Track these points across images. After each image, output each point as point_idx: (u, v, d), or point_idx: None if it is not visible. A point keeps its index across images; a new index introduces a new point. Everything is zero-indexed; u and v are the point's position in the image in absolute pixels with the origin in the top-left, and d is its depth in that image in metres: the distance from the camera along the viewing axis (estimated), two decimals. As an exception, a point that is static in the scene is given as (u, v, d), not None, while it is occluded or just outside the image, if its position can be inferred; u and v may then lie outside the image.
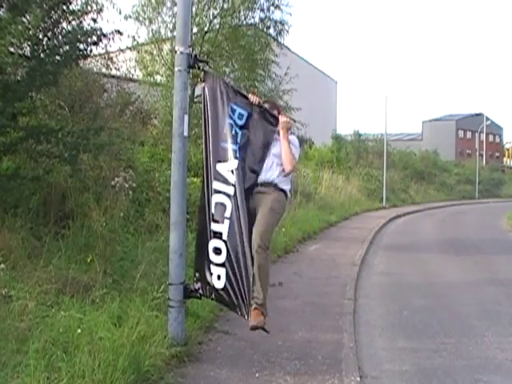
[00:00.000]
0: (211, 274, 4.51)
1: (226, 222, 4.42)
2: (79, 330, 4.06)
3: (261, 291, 4.39)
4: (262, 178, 4.59)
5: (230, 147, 4.52)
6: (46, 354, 3.73)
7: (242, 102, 4.64)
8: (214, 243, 4.49)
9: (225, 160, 4.53)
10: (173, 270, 4.59)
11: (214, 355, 4.75)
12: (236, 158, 4.49)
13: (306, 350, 4.99)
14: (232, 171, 4.49)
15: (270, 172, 4.59)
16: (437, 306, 7.09)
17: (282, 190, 4.65)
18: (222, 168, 4.53)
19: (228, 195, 4.47)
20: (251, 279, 4.35)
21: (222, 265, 4.44)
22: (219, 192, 4.50)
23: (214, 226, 4.50)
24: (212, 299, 4.73)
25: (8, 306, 4.39)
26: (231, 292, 4.43)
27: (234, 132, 4.55)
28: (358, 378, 4.37)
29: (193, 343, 4.81)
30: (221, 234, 4.44)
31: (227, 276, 4.42)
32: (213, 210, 4.52)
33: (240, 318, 5.92)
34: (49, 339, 3.94)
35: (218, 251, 4.46)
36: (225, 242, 4.42)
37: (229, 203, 4.45)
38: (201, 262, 4.65)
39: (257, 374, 4.38)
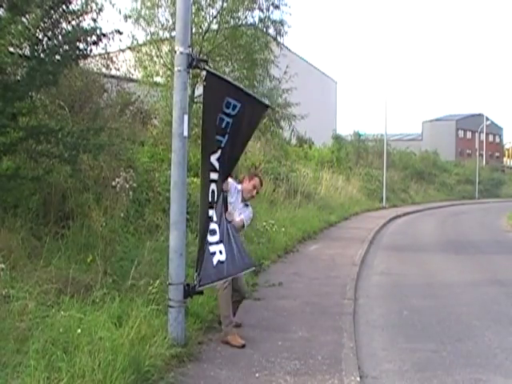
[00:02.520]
0: (213, 254, 4.91)
1: (214, 205, 4.99)
2: (79, 330, 4.06)
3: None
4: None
5: (219, 138, 5.01)
6: (46, 353, 3.73)
7: (238, 94, 5.08)
8: (210, 226, 4.94)
9: (215, 151, 4.99)
10: (173, 270, 4.60)
11: (213, 355, 4.75)
12: (220, 147, 5.01)
13: (306, 350, 4.99)
14: (218, 159, 4.99)
15: None
16: (437, 306, 7.09)
17: None
18: (213, 159, 4.97)
19: (215, 181, 4.98)
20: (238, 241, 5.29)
21: (220, 241, 5.01)
22: (213, 181, 4.97)
23: (211, 212, 4.96)
24: (212, 282, 4.96)
25: (8, 306, 4.39)
26: (232, 256, 5.08)
27: (224, 124, 5.00)
28: (358, 378, 4.37)
29: (193, 343, 4.82)
30: (212, 216, 4.97)
31: (225, 247, 5.05)
32: (210, 199, 4.96)
33: (240, 318, 5.94)
34: (49, 339, 3.94)
35: (213, 232, 4.97)
36: (215, 222, 5.00)
37: (215, 188, 4.99)
38: (202, 251, 4.84)
39: (257, 374, 4.38)
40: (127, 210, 6.95)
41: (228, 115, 4.99)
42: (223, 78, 5.21)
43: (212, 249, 4.91)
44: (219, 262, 4.93)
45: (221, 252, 4.99)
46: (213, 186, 4.95)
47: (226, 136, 5.04)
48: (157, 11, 11.80)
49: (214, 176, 4.97)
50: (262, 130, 13.57)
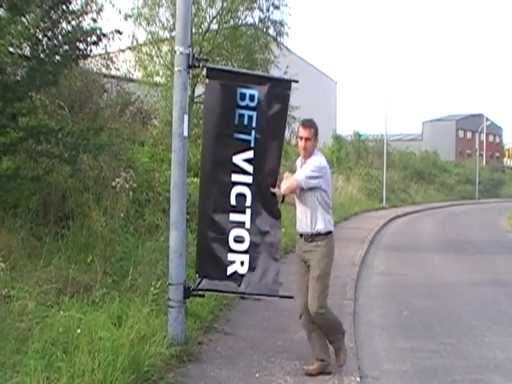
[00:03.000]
0: (231, 262, 4.57)
1: (248, 210, 4.58)
2: (79, 330, 4.05)
3: (324, 346, 4.53)
4: (298, 228, 4.56)
5: (244, 138, 4.58)
6: (46, 354, 3.73)
7: (250, 81, 4.65)
8: (235, 232, 4.59)
9: (240, 151, 4.58)
10: (173, 270, 4.59)
11: (213, 355, 4.74)
12: (251, 147, 4.58)
13: (306, 350, 4.98)
14: (249, 160, 4.58)
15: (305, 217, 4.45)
16: (437, 306, 7.09)
17: (322, 234, 4.41)
18: (238, 159, 4.59)
19: (247, 184, 4.59)
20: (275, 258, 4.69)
21: (246, 251, 4.59)
22: (238, 183, 4.59)
23: (235, 217, 4.60)
24: (219, 291, 4.78)
25: (8, 306, 4.39)
26: (255, 273, 4.60)
27: (247, 121, 4.57)
28: (358, 378, 4.37)
29: (193, 343, 4.81)
30: (243, 223, 4.59)
31: (251, 261, 4.59)
32: (234, 202, 4.61)
33: (240, 318, 5.95)
34: (49, 339, 3.94)
35: (240, 239, 4.59)
36: (248, 230, 4.59)
37: (248, 192, 4.58)
38: (209, 255, 4.64)
39: (257, 374, 4.38)
40: (127, 210, 6.94)
41: (247, 108, 4.55)
42: (227, 70, 4.83)
43: (232, 257, 4.58)
44: (237, 273, 4.58)
45: (242, 263, 4.59)
46: (242, 189, 4.57)
47: (253, 133, 4.58)
48: (157, 10, 11.81)
49: (241, 178, 4.58)
50: None
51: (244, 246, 4.59)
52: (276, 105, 4.64)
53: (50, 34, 6.27)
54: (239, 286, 4.60)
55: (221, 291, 4.78)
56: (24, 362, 3.61)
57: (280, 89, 4.70)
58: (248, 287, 4.62)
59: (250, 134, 4.58)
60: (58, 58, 6.24)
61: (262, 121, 4.58)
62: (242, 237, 4.58)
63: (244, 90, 4.55)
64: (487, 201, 36.67)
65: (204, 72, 4.74)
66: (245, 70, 4.81)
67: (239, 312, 6.22)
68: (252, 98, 4.56)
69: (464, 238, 14.99)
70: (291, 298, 4.79)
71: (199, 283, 4.64)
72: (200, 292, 4.71)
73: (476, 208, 29.41)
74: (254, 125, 4.58)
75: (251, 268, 4.58)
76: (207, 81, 4.69)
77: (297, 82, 4.80)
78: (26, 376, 3.43)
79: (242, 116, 4.56)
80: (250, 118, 4.57)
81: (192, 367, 4.42)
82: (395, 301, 7.42)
